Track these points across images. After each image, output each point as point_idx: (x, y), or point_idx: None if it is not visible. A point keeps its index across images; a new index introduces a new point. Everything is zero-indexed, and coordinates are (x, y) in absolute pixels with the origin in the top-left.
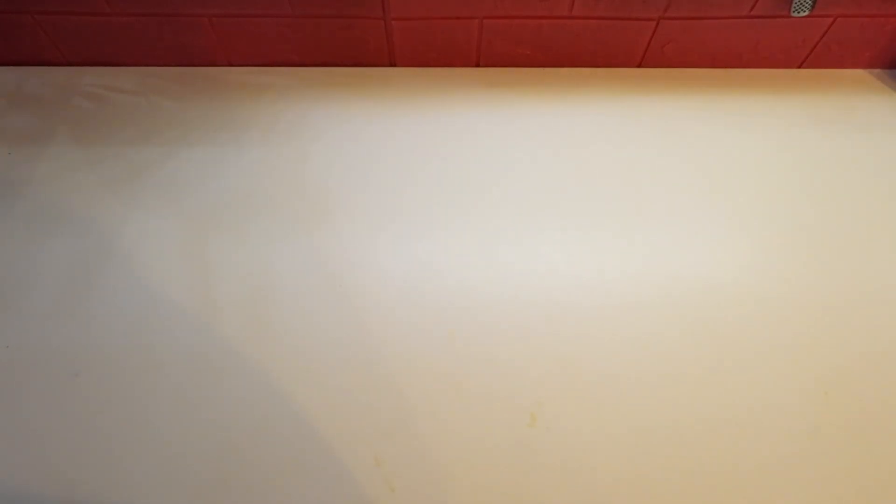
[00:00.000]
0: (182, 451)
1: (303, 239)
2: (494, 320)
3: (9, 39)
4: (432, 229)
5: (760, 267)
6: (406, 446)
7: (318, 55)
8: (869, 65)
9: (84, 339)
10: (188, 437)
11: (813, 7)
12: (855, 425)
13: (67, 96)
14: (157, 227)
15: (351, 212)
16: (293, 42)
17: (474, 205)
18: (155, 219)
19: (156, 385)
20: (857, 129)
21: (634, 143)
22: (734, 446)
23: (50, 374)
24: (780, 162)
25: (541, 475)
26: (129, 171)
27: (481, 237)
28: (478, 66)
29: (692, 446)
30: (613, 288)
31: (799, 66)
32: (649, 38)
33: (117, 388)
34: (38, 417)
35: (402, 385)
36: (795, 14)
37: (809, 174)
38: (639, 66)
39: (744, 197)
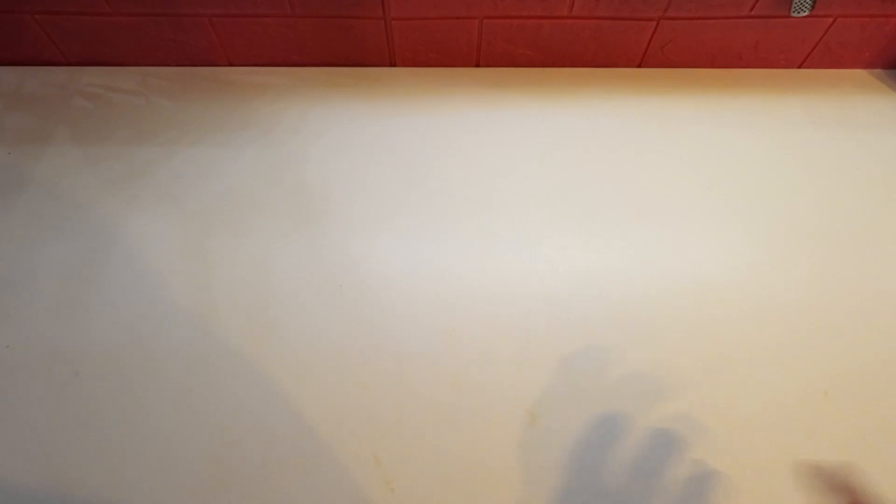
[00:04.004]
0: (182, 450)
1: (303, 239)
2: (494, 320)
3: (9, 39)
4: (432, 229)
5: (760, 267)
6: (406, 446)
7: (318, 55)
8: (869, 65)
9: (84, 339)
10: (188, 437)
11: (813, 7)
12: (854, 425)
13: (67, 96)
14: (157, 227)
15: (351, 212)
16: (293, 42)
17: (474, 204)
18: (155, 219)
19: (155, 384)
20: (857, 129)
21: (634, 143)
22: (734, 446)
23: (50, 374)
24: (780, 162)
25: (541, 475)
26: (129, 171)
27: (481, 236)
28: (478, 66)
29: (692, 446)
30: (613, 287)
31: (799, 66)
32: (649, 38)
33: (117, 388)
34: (38, 417)
35: (402, 385)
36: (795, 14)
37: (809, 174)
38: (639, 66)
39: (744, 197)
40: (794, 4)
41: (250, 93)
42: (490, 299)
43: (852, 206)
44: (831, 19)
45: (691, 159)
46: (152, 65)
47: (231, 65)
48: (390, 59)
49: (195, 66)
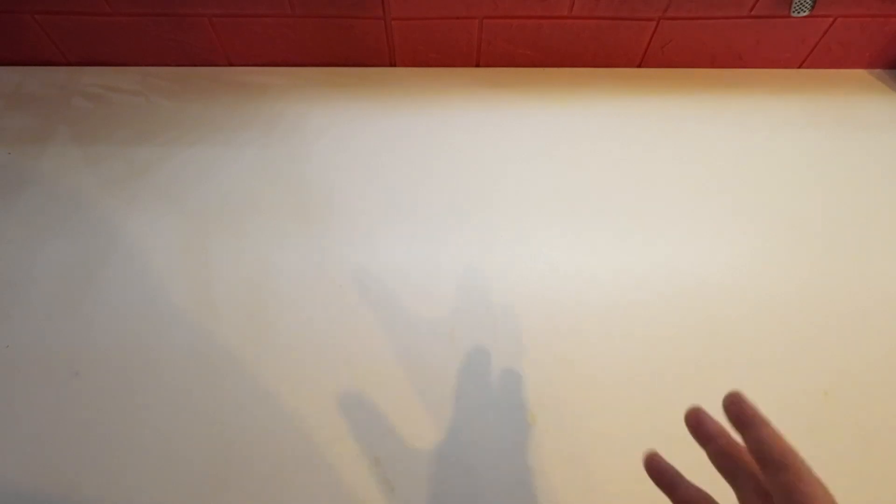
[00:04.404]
0: (182, 450)
1: (303, 239)
2: (494, 320)
3: (9, 39)
4: (432, 229)
5: (760, 266)
6: (406, 445)
7: (318, 55)
8: (869, 65)
9: (84, 339)
10: (188, 437)
11: (813, 7)
12: (854, 425)
13: (67, 96)
14: (157, 227)
15: (351, 211)
16: (293, 42)
17: (474, 204)
18: (155, 219)
19: (155, 384)
20: (857, 129)
21: (634, 143)
22: None
23: (50, 374)
24: (780, 162)
25: (541, 475)
26: (129, 171)
27: (481, 237)
28: (478, 66)
29: (692, 446)
30: (614, 287)
31: (799, 66)
32: (649, 38)
33: (117, 388)
34: (38, 417)
35: (402, 385)
36: (795, 14)
37: (810, 174)
38: (639, 66)
39: (744, 197)
40: (794, 4)
41: (250, 93)
42: (490, 299)
43: (852, 205)
44: (831, 19)
45: (691, 159)
46: (152, 65)
47: (231, 65)
48: (390, 59)
49: (195, 66)
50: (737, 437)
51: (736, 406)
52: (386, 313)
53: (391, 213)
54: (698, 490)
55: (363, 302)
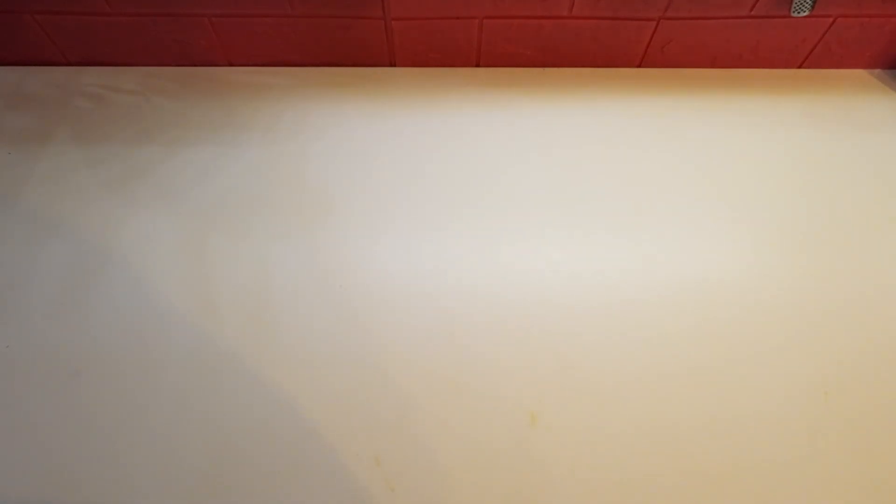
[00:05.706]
0: (182, 450)
1: (303, 239)
2: (495, 320)
3: (9, 39)
4: (432, 229)
5: (760, 267)
6: (406, 446)
7: (318, 55)
8: (869, 65)
9: (84, 339)
10: (188, 437)
11: (813, 7)
12: (854, 425)
13: (67, 96)
14: (157, 227)
15: (351, 212)
16: (293, 42)
17: (474, 205)
18: (155, 219)
19: (156, 384)
20: (857, 129)
21: (634, 144)
22: (734, 446)
23: (50, 374)
24: (780, 162)
25: (541, 475)
26: (129, 171)
27: (481, 237)
28: (478, 66)
29: (692, 446)
30: (613, 288)
31: (799, 66)
32: (649, 38)
33: (117, 388)
34: (38, 417)
35: (403, 385)
36: (795, 14)
37: (809, 174)
38: (639, 66)
39: (743, 197)
40: (794, 4)
41: (250, 93)
42: (490, 299)
43: (852, 205)
44: (831, 19)
45: (691, 159)
46: (152, 65)
47: (231, 65)
48: (390, 59)
49: (195, 66)
50: None
51: None
52: (385, 313)
53: (391, 212)
54: None
55: (363, 301)
